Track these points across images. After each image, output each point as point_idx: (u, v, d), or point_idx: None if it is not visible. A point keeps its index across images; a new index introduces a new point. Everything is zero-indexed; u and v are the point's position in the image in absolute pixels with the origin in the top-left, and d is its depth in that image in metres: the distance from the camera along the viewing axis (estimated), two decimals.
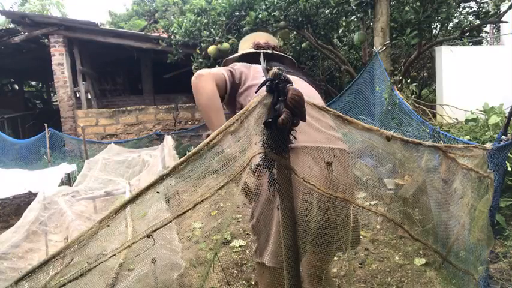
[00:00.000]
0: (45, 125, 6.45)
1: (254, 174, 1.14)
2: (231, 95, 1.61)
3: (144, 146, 7.18)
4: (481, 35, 8.94)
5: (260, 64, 1.72)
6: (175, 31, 6.96)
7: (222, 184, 1.00)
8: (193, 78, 1.50)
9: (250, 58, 1.82)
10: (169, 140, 5.38)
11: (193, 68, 6.90)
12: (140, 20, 13.48)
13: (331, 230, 1.27)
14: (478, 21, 6.34)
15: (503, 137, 2.27)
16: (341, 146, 1.44)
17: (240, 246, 3.28)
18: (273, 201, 1.26)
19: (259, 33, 2.06)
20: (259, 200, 1.33)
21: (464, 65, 6.26)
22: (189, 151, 0.95)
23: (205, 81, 1.49)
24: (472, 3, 6.80)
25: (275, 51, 1.88)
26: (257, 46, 1.87)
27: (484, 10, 6.33)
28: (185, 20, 6.82)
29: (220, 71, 1.58)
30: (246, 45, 1.95)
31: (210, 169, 0.98)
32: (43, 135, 6.73)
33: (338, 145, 1.43)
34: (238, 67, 1.66)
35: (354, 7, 5.61)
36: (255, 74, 1.64)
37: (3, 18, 11.83)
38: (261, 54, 1.70)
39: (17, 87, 14.19)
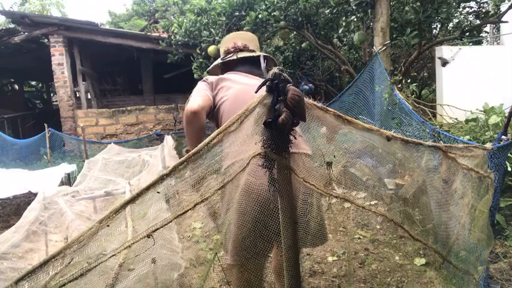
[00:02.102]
0: (45, 125, 6.45)
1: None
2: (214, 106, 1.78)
3: (144, 146, 7.17)
4: (481, 35, 8.94)
5: (239, 64, 1.93)
6: (175, 31, 6.96)
7: (222, 184, 1.00)
8: (187, 111, 1.64)
9: (228, 62, 1.98)
10: (169, 140, 5.38)
11: (193, 67, 6.90)
12: (140, 20, 13.48)
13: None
14: (478, 21, 6.34)
15: (503, 137, 2.27)
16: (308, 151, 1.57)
17: None
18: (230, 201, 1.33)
19: (239, 34, 2.17)
20: (223, 204, 1.40)
21: (464, 65, 6.26)
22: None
23: (199, 117, 1.65)
24: (472, 3, 6.79)
25: (253, 53, 1.99)
26: (227, 53, 1.99)
27: (484, 10, 6.33)
28: (185, 20, 6.82)
29: (205, 94, 1.73)
30: (225, 46, 2.04)
31: (210, 169, 0.98)
32: (43, 135, 6.73)
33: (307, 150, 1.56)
34: (212, 81, 1.83)
35: (354, 7, 5.61)
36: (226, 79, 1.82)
37: (3, 18, 11.84)
38: (261, 56, 1.72)
39: (17, 87, 14.19)
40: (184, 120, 1.67)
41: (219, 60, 2.03)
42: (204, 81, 1.84)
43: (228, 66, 1.97)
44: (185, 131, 1.71)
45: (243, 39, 2.04)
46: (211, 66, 2.09)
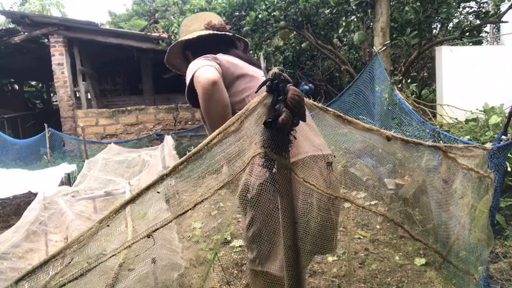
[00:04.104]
0: (45, 125, 6.45)
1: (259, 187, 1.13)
2: None
3: (144, 146, 7.18)
4: (481, 35, 8.94)
5: (217, 47, 1.64)
6: (175, 31, 6.97)
7: (222, 184, 1.00)
8: (205, 83, 1.26)
9: (202, 42, 1.66)
10: (169, 140, 5.38)
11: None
12: (140, 20, 13.49)
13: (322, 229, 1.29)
14: (478, 21, 6.34)
15: (503, 137, 2.27)
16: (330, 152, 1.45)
17: (240, 246, 3.28)
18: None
19: (206, 13, 1.85)
20: (261, 209, 1.27)
21: (464, 65, 6.27)
22: (189, 151, 0.95)
23: (221, 90, 1.30)
24: (472, 3, 6.80)
25: (234, 34, 1.76)
26: (213, 27, 1.67)
27: (484, 10, 6.33)
28: None
29: (216, 68, 1.38)
30: (195, 27, 1.71)
31: (210, 169, 0.98)
32: (43, 135, 6.74)
33: (329, 151, 1.44)
34: (222, 61, 1.48)
35: (354, 7, 5.62)
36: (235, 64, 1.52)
37: (3, 18, 11.84)
38: (261, 55, 1.68)
39: (17, 87, 14.20)
40: (203, 97, 1.27)
41: (207, 32, 1.64)
42: (210, 58, 1.44)
43: (205, 48, 1.60)
44: (207, 112, 1.30)
45: (215, 18, 1.74)
46: (195, 36, 1.65)
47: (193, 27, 1.71)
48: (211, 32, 1.66)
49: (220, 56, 1.52)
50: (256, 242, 1.37)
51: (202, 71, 1.31)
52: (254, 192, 1.17)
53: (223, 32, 1.68)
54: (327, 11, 6.37)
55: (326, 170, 1.36)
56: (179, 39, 1.73)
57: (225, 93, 1.33)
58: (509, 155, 2.72)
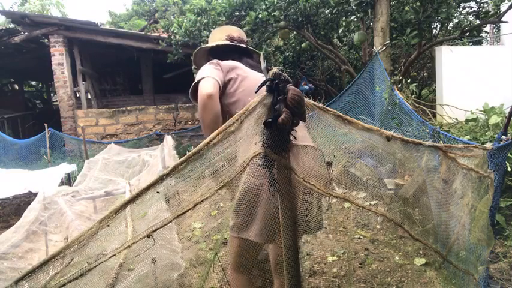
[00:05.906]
0: (45, 125, 6.45)
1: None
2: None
3: (144, 146, 7.18)
4: (481, 35, 8.94)
5: (232, 55, 1.91)
6: (175, 31, 6.97)
7: (222, 184, 1.00)
8: (203, 95, 1.57)
9: (222, 49, 1.96)
10: (169, 140, 5.38)
11: (193, 67, 6.90)
12: (140, 20, 13.49)
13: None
14: (478, 21, 6.34)
15: (503, 137, 2.27)
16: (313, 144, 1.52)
17: None
18: (258, 187, 1.33)
19: (230, 27, 2.16)
20: (240, 185, 1.36)
21: (464, 65, 6.26)
22: (189, 151, 0.95)
23: (215, 102, 1.59)
24: (472, 3, 6.79)
25: (248, 46, 2.02)
26: (231, 39, 1.97)
27: (484, 10, 6.33)
28: (185, 20, 6.83)
29: (215, 80, 1.64)
30: (218, 37, 2.01)
31: (210, 169, 0.98)
32: (43, 135, 6.74)
33: (312, 143, 1.51)
34: (225, 66, 1.75)
35: (354, 7, 5.61)
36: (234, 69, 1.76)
37: (3, 18, 11.84)
38: (261, 55, 1.74)
39: (17, 87, 14.19)
40: (200, 106, 1.58)
41: (225, 42, 1.95)
42: (214, 64, 1.73)
43: (223, 54, 1.91)
44: (201, 118, 1.62)
45: (236, 32, 2.04)
46: (214, 44, 1.97)
47: (217, 36, 2.03)
48: (227, 42, 1.95)
49: (224, 62, 1.77)
50: (235, 212, 1.49)
51: (204, 83, 1.60)
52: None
53: (236, 43, 1.95)
54: (327, 11, 6.36)
55: (312, 160, 1.41)
56: (203, 46, 2.05)
57: (218, 105, 1.61)
58: (509, 155, 2.72)
